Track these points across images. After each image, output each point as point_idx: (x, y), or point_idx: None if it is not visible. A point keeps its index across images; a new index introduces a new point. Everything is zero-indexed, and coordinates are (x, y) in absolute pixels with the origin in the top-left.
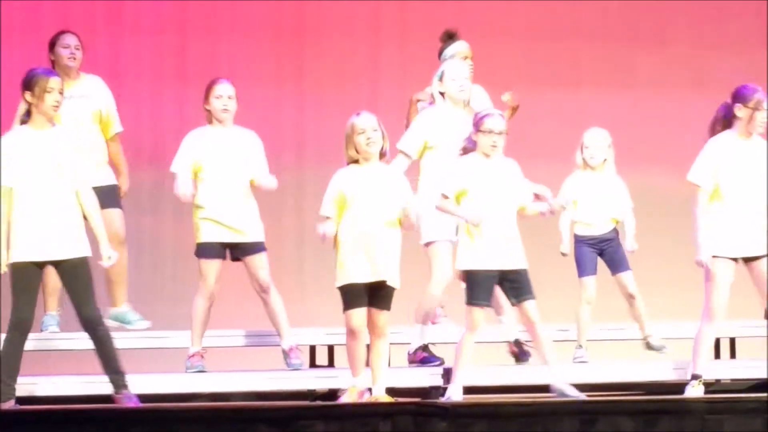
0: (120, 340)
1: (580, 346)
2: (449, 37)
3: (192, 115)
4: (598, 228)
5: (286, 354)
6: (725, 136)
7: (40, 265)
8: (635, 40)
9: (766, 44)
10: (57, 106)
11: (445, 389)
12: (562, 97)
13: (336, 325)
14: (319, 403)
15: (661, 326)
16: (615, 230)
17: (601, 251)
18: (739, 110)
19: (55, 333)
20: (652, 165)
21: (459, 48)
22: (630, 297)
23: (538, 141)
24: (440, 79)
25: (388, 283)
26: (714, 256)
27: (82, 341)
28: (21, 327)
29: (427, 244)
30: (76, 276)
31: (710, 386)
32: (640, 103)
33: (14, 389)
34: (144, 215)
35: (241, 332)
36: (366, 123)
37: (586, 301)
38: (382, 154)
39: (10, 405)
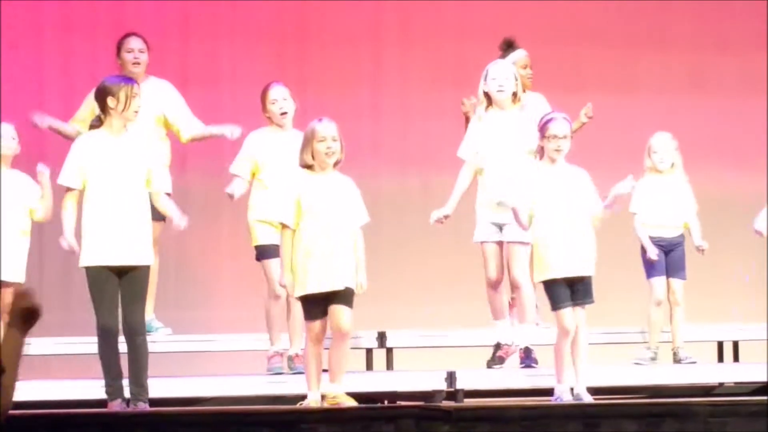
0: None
1: (648, 348)
2: (508, 45)
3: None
4: (668, 231)
5: (291, 360)
6: None
7: (112, 269)
8: (636, 43)
9: (766, 47)
10: (137, 112)
11: (448, 393)
12: (564, 100)
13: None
14: (321, 407)
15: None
16: (683, 235)
17: (667, 252)
18: None
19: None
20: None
21: (518, 56)
22: (675, 304)
23: None
24: (484, 79)
25: (342, 288)
26: None
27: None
28: (107, 331)
29: (481, 243)
30: (138, 282)
31: (713, 389)
32: (641, 106)
33: (121, 389)
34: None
35: (249, 336)
36: (327, 131)
37: (655, 302)
38: (336, 163)
39: (117, 404)
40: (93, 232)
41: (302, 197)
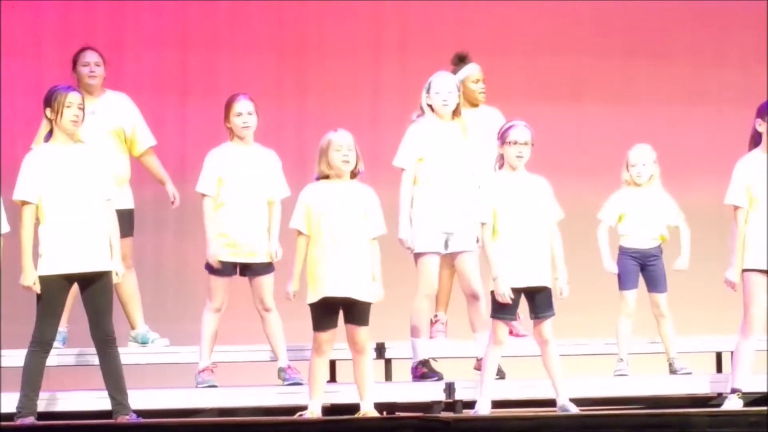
0: (130, 356)
1: (621, 360)
2: (460, 60)
3: (193, 131)
4: (644, 242)
5: (283, 371)
6: (752, 154)
7: (69, 279)
8: (635, 54)
9: (766, 59)
10: (76, 122)
11: (447, 404)
12: (563, 112)
13: (338, 340)
14: (321, 417)
15: (682, 341)
16: (660, 248)
17: (643, 266)
18: (760, 125)
19: (60, 349)
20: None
21: (470, 71)
22: (661, 316)
23: (538, 155)
24: (427, 91)
25: (359, 299)
26: (747, 270)
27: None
28: (45, 344)
29: (416, 256)
30: (101, 291)
31: (712, 400)
32: (640, 117)
33: (36, 405)
34: (146, 232)
35: (246, 347)
36: (343, 140)
37: (626, 314)
38: (354, 174)
39: (30, 421)
40: (49, 242)
41: (313, 205)
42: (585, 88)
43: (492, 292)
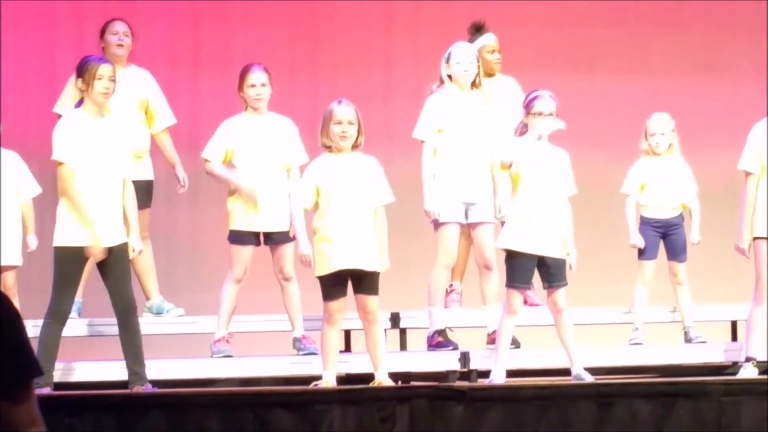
0: (145, 327)
1: (636, 329)
2: (477, 29)
3: (206, 104)
4: (665, 212)
5: (298, 341)
6: (765, 120)
7: (83, 252)
8: (649, 24)
9: None
10: (107, 94)
11: (462, 373)
12: (577, 82)
13: (351, 310)
14: (335, 387)
15: (698, 309)
16: (681, 216)
17: (665, 235)
18: None
19: (74, 319)
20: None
21: (487, 41)
22: (678, 285)
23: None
24: (447, 61)
25: (368, 270)
26: (758, 238)
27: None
28: (61, 316)
29: (436, 226)
30: (119, 262)
31: (727, 369)
32: (653, 87)
33: (52, 375)
34: (159, 203)
35: (260, 317)
36: (344, 114)
37: (642, 283)
38: (355, 146)
39: (47, 391)
40: (68, 213)
41: (320, 179)
42: (598, 57)
43: (507, 262)
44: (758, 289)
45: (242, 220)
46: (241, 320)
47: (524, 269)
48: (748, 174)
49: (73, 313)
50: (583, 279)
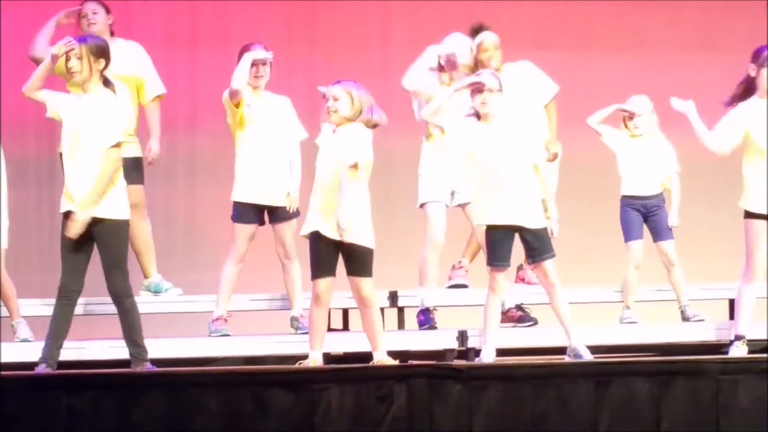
0: (142, 306)
1: (627, 307)
2: (476, 31)
3: (203, 82)
4: (645, 190)
5: (295, 320)
6: (752, 100)
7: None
8: (646, 2)
9: None
10: (73, 73)
11: (460, 352)
12: (573, 59)
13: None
14: (333, 366)
15: (694, 288)
16: (662, 197)
17: (646, 217)
18: (752, 71)
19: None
20: (664, 128)
21: (479, 39)
22: (669, 265)
23: None
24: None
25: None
26: (748, 216)
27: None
28: (67, 292)
29: (422, 206)
30: (114, 238)
31: (724, 347)
32: (650, 66)
33: (56, 353)
34: (156, 181)
35: (257, 296)
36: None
37: (633, 264)
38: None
39: (42, 369)
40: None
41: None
42: (594, 35)
43: (486, 240)
44: (748, 266)
45: (244, 193)
46: (239, 299)
47: (501, 245)
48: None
49: None
50: (572, 259)
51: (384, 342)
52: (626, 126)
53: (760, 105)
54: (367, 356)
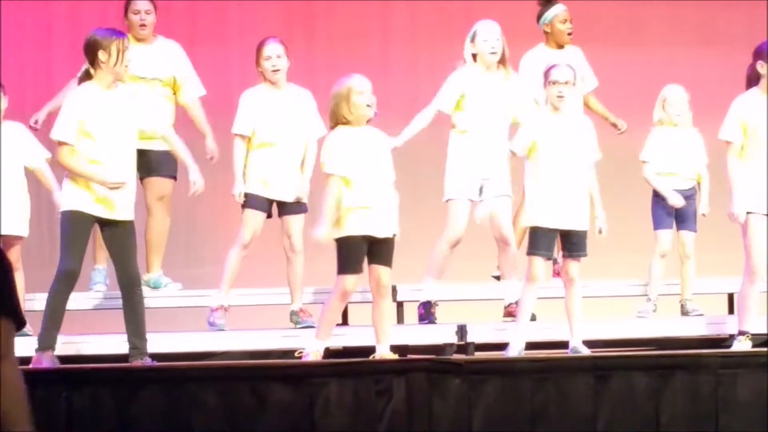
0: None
1: (649, 300)
2: (548, 0)
3: (203, 77)
4: (682, 182)
5: (295, 314)
6: (750, 93)
7: (92, 219)
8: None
9: None
10: (128, 67)
11: (459, 346)
12: None
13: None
14: (332, 360)
15: (696, 283)
16: (695, 188)
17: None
18: (762, 67)
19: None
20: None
21: (558, 10)
22: (685, 257)
23: None
24: (472, 40)
25: (386, 236)
26: (748, 213)
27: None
28: (69, 278)
29: (448, 201)
30: (125, 236)
31: (724, 341)
32: (650, 60)
33: (55, 340)
34: None
35: (254, 291)
36: (366, 85)
37: (659, 254)
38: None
39: (49, 355)
40: (78, 181)
41: (349, 150)
42: (593, 30)
43: (529, 232)
44: (749, 264)
45: (255, 185)
46: (239, 294)
47: (546, 238)
48: (728, 143)
49: (101, 284)
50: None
51: (390, 336)
52: (665, 111)
53: (760, 99)
54: (366, 350)
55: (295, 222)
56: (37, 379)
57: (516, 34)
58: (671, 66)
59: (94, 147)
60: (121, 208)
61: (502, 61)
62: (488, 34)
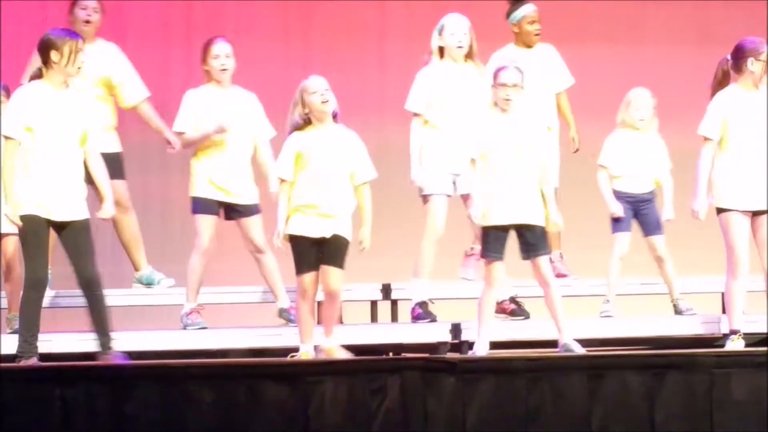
0: (134, 298)
1: (607, 301)
2: (516, 2)
3: (197, 79)
4: (638, 186)
5: (285, 311)
6: (731, 89)
7: (44, 222)
8: None
9: None
10: (81, 68)
11: (453, 344)
12: (567, 52)
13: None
14: (326, 359)
15: (688, 281)
16: (653, 192)
17: (636, 212)
18: (752, 64)
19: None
20: (660, 121)
21: (527, 11)
22: (659, 260)
23: None
24: (439, 33)
25: (338, 234)
26: (722, 210)
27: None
28: (34, 284)
29: (424, 198)
30: (79, 237)
31: (717, 340)
32: (646, 59)
33: (36, 347)
34: (151, 175)
35: (241, 289)
36: (318, 84)
37: (618, 256)
38: (334, 116)
39: (32, 362)
40: (26, 182)
41: (302, 151)
42: (590, 28)
43: (482, 234)
44: (731, 261)
45: (203, 187)
46: (213, 291)
47: (496, 239)
48: (706, 139)
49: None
50: (569, 248)
51: (336, 331)
52: (629, 114)
53: (742, 95)
54: (360, 348)
55: (251, 224)
56: (31, 377)
57: (510, 31)
58: (669, 65)
59: (37, 145)
60: (66, 207)
61: (469, 55)
62: (455, 27)
